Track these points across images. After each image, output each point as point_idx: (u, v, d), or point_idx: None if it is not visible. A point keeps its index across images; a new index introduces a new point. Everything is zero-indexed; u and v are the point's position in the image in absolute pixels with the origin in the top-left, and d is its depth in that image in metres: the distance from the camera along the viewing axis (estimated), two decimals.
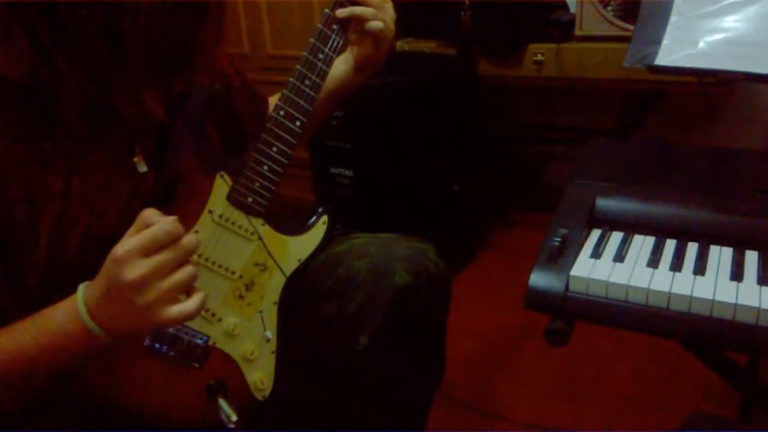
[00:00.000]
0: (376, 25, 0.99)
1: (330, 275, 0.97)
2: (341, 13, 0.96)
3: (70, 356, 0.76)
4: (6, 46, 0.75)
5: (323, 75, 0.96)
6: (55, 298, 0.79)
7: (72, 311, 0.73)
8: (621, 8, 1.96)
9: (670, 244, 0.91)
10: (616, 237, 0.93)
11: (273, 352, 0.93)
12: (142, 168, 0.86)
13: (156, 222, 0.70)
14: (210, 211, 0.90)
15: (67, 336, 0.73)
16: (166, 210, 0.88)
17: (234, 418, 0.83)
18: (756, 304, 0.77)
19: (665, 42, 1.02)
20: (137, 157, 0.85)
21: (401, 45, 2.32)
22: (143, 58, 0.74)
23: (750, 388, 1.32)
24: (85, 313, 0.72)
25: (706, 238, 0.91)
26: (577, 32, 2.02)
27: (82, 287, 0.74)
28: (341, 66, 1.08)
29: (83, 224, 0.81)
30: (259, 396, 0.92)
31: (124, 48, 0.72)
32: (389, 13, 1.02)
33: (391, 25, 1.02)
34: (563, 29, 2.04)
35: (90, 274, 0.79)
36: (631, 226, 0.95)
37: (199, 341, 0.89)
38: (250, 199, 0.92)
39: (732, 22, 0.99)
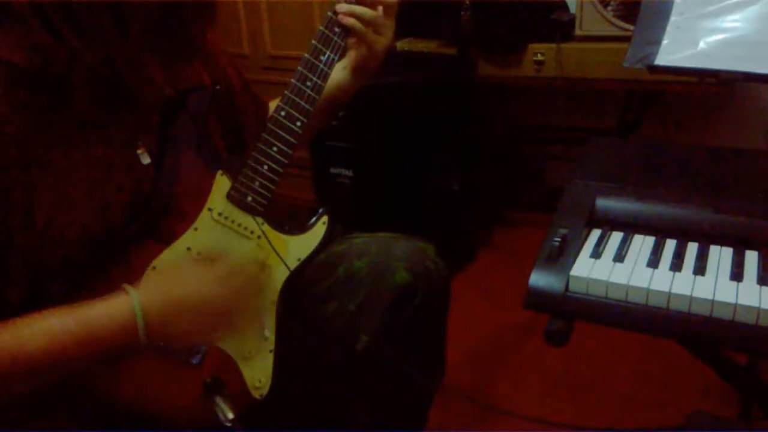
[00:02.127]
0: (370, 35, 1.00)
1: (330, 275, 0.97)
2: (343, 19, 0.96)
3: (96, 355, 0.78)
4: (12, 31, 0.76)
5: (324, 77, 0.96)
6: (56, 288, 0.80)
7: (122, 316, 0.77)
8: (621, 8, 1.97)
9: (670, 244, 0.90)
10: (616, 237, 0.93)
11: (271, 351, 0.93)
12: (146, 160, 0.86)
13: None
14: (209, 209, 0.90)
15: (107, 337, 0.77)
16: (166, 207, 0.88)
17: (231, 416, 0.83)
18: (756, 304, 0.77)
19: (665, 42, 1.02)
20: (140, 149, 0.85)
21: (401, 45, 2.32)
22: (145, 29, 0.78)
23: (750, 388, 1.32)
24: (142, 323, 0.77)
25: (706, 238, 0.91)
26: (577, 32, 2.02)
27: (136, 300, 0.77)
28: (339, 70, 1.08)
29: (83, 215, 0.81)
30: (256, 394, 0.92)
31: (127, 20, 0.76)
32: (388, 24, 1.02)
33: (386, 37, 1.02)
34: (563, 29, 2.04)
35: (90, 265, 0.80)
36: (631, 226, 0.95)
37: None
38: (249, 198, 0.92)
39: (732, 22, 0.99)
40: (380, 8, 0.99)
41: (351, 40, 1.03)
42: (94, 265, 0.83)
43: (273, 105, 1.14)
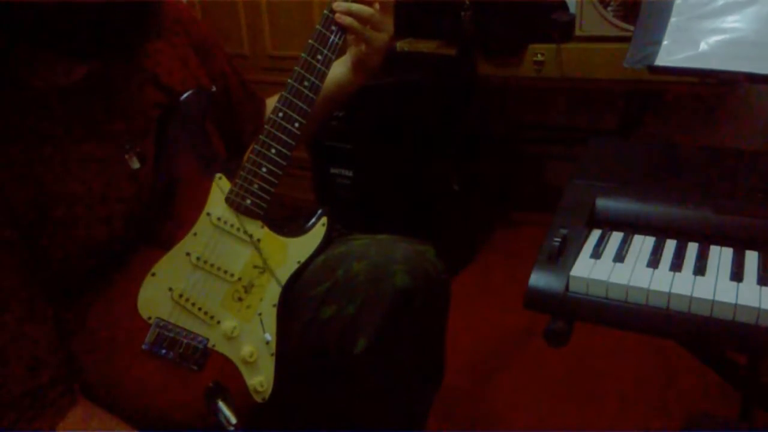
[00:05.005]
0: (369, 33, 0.99)
1: (329, 277, 0.97)
2: (340, 18, 0.96)
3: None
4: None
5: (322, 76, 0.95)
6: (59, 291, 0.80)
7: None
8: (621, 8, 1.96)
9: (670, 244, 0.90)
10: (616, 237, 0.93)
11: (272, 355, 0.93)
12: (135, 164, 0.86)
13: None
14: (208, 214, 0.90)
15: None
16: (165, 212, 0.88)
17: (233, 420, 0.83)
18: (756, 304, 0.77)
19: (665, 42, 1.01)
20: (129, 154, 0.85)
21: (401, 45, 2.32)
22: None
23: (750, 388, 1.32)
24: None
25: (706, 238, 0.90)
26: (577, 32, 2.02)
27: None
28: (339, 68, 1.08)
29: (85, 229, 0.81)
30: (258, 399, 0.92)
31: None
32: (386, 20, 1.01)
33: (386, 33, 1.02)
34: (563, 29, 2.04)
35: (91, 271, 0.80)
36: (631, 226, 0.94)
37: (198, 344, 0.89)
38: (248, 201, 0.92)
39: (732, 23, 0.99)
40: (377, 5, 0.99)
41: (350, 37, 1.03)
42: (95, 270, 0.84)
43: (271, 102, 1.14)
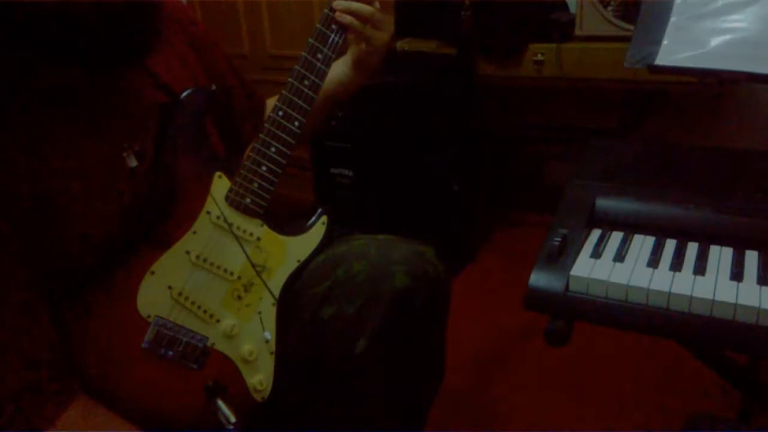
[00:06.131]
0: (369, 31, 0.99)
1: (329, 277, 0.97)
2: (340, 16, 0.96)
3: None
4: None
5: (322, 75, 0.95)
6: (57, 293, 0.79)
7: None
8: (621, 8, 1.96)
9: (670, 244, 0.90)
10: (616, 237, 0.93)
11: (272, 353, 0.93)
12: (132, 163, 0.86)
13: None
14: (208, 212, 0.90)
15: None
16: (165, 211, 0.88)
17: (233, 419, 0.83)
18: (756, 304, 0.77)
19: (665, 42, 1.01)
20: (126, 152, 0.85)
21: (401, 45, 2.32)
22: None
23: (750, 388, 1.32)
24: None
25: (706, 238, 0.90)
26: (578, 32, 2.02)
27: None
28: (340, 67, 1.08)
29: (82, 225, 0.81)
30: (258, 397, 0.92)
31: None
32: (387, 19, 1.01)
33: (386, 32, 1.02)
34: (563, 29, 2.04)
35: (90, 271, 0.79)
36: (631, 226, 0.95)
37: (198, 343, 0.89)
38: (248, 200, 0.92)
39: (732, 23, 0.99)
40: (377, 3, 0.98)
41: (351, 36, 1.03)
42: (94, 268, 0.84)
43: (271, 102, 1.14)
